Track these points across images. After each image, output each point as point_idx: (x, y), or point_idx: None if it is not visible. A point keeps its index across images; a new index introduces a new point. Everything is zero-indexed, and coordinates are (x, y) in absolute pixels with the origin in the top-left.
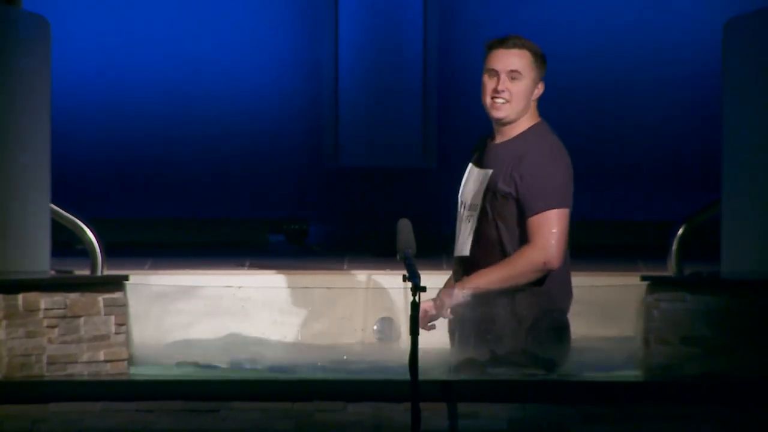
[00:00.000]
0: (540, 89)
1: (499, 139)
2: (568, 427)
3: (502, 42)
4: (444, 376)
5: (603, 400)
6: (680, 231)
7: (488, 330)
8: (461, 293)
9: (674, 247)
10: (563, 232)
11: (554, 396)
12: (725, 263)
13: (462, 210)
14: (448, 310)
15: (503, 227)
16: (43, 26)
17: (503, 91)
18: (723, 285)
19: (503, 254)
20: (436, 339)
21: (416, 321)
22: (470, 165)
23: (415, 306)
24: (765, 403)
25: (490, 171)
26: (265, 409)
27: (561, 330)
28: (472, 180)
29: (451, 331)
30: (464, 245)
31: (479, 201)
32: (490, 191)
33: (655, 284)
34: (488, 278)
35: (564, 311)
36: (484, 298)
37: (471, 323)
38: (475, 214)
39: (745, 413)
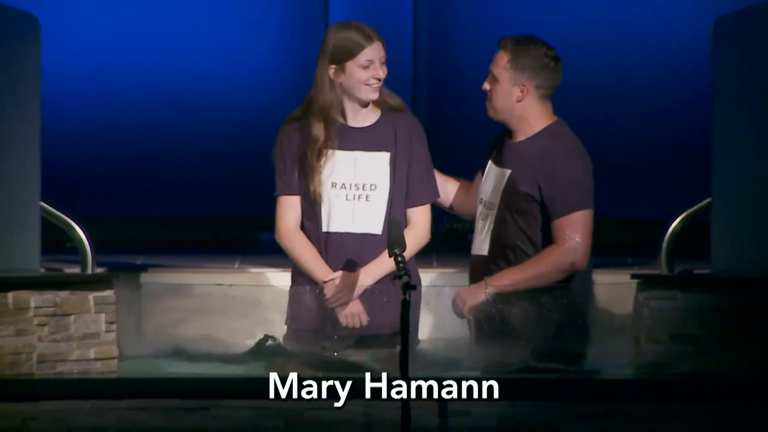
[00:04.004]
0: (526, 91)
1: (515, 138)
2: (558, 425)
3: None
4: (434, 374)
5: (593, 398)
6: (670, 229)
7: (509, 324)
8: (486, 293)
9: (664, 245)
10: (589, 233)
11: (544, 393)
12: (715, 261)
13: (480, 206)
14: (468, 310)
15: (524, 227)
16: (33, 24)
17: (486, 91)
18: (713, 283)
19: (523, 254)
20: (428, 336)
21: (407, 319)
22: (489, 162)
23: (405, 305)
24: (755, 400)
25: (509, 171)
26: (255, 407)
27: (582, 325)
28: (490, 177)
29: (469, 321)
30: (482, 244)
31: (496, 200)
32: (509, 191)
33: (646, 282)
34: (514, 278)
35: (584, 307)
36: (505, 292)
37: (492, 316)
38: (492, 213)
39: (736, 410)
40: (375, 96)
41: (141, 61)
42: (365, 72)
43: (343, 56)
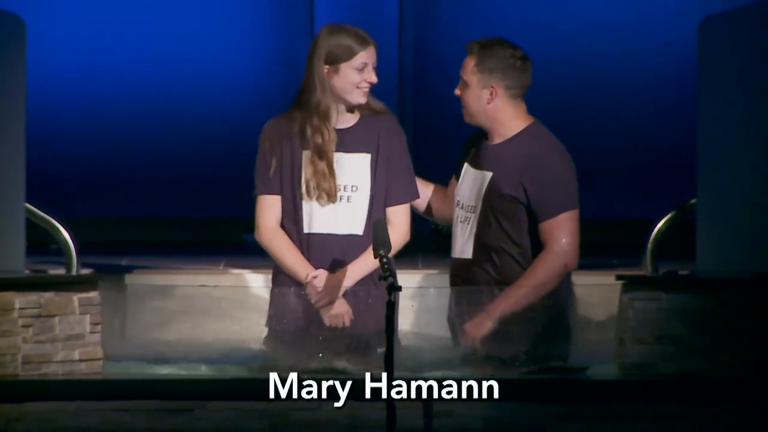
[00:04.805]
0: (495, 92)
1: (492, 140)
2: (543, 426)
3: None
4: (419, 375)
5: (578, 399)
6: (655, 230)
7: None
8: (490, 323)
9: (649, 246)
10: (576, 232)
11: (529, 394)
12: (700, 262)
13: (458, 209)
14: (479, 342)
15: (508, 229)
16: (18, 25)
17: (458, 97)
18: (698, 284)
19: (508, 256)
20: (411, 337)
21: (392, 320)
22: (465, 164)
23: (390, 306)
24: (740, 401)
25: (489, 173)
26: (239, 409)
27: (567, 326)
28: (468, 180)
29: (452, 324)
30: (465, 247)
31: (477, 203)
32: (492, 194)
33: (631, 283)
34: (515, 298)
35: (569, 308)
36: (483, 294)
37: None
38: (473, 216)
39: (721, 411)
40: (363, 100)
41: (125, 62)
42: (358, 75)
43: (338, 57)
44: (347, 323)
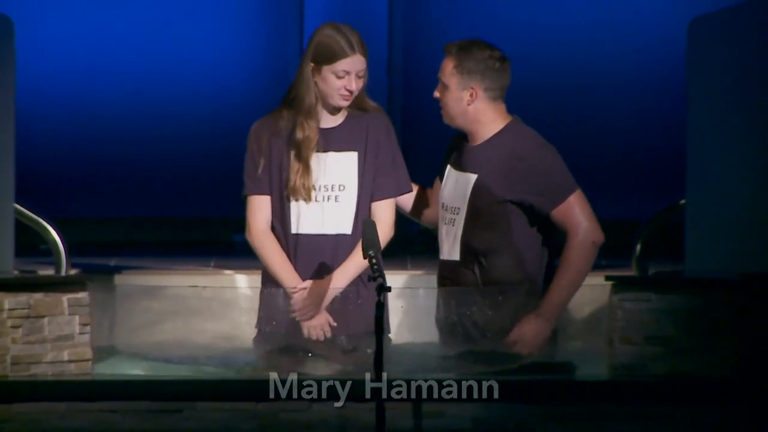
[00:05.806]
0: (475, 94)
1: (474, 141)
2: (532, 426)
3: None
4: (408, 375)
5: (568, 400)
6: (644, 231)
7: (482, 326)
8: (548, 326)
9: (638, 246)
10: (590, 209)
11: (519, 395)
12: (689, 262)
13: (442, 211)
14: (539, 347)
15: (496, 232)
16: (7, 25)
17: (438, 99)
18: (687, 284)
19: (495, 258)
20: (402, 338)
21: (381, 321)
22: (448, 166)
23: (380, 306)
24: (729, 401)
25: (474, 175)
26: (229, 409)
27: (556, 327)
28: (451, 181)
29: (440, 324)
30: (452, 250)
31: (461, 204)
32: (478, 196)
33: (620, 284)
34: (562, 293)
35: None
36: (472, 294)
37: (465, 319)
38: (458, 218)
39: (710, 412)
40: (345, 104)
41: (114, 61)
42: (339, 81)
43: (322, 58)
44: (327, 334)
